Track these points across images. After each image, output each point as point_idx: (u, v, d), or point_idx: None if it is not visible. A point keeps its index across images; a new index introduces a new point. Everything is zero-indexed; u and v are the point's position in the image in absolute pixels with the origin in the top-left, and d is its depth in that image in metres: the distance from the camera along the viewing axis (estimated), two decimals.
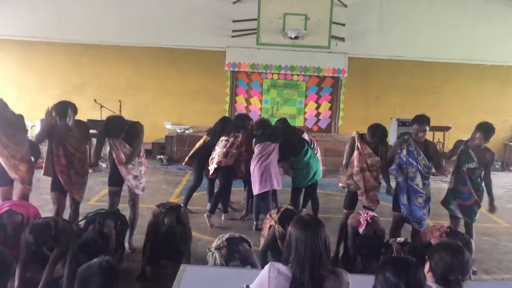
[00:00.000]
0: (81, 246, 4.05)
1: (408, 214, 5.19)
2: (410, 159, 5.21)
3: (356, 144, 5.55)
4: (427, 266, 2.48)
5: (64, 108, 5.17)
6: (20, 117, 5.40)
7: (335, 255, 5.37)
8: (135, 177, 5.45)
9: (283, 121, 7.09)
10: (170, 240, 4.70)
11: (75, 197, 5.27)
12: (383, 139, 5.51)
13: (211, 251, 4.65)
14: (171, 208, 4.89)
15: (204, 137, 7.11)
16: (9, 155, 5.09)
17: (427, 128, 5.25)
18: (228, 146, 6.56)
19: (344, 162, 5.72)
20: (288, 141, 6.52)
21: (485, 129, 5.34)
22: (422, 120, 5.26)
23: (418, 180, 5.18)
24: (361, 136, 5.59)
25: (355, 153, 5.53)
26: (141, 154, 5.59)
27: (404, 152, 5.24)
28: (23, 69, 13.15)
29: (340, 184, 5.98)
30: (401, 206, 5.23)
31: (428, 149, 5.30)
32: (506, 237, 6.75)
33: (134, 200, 5.58)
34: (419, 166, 5.18)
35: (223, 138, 6.66)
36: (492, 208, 5.36)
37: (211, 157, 6.70)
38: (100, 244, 4.12)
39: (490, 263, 5.66)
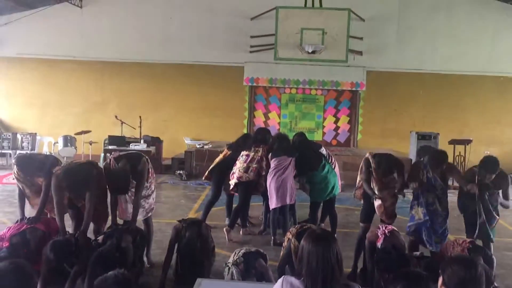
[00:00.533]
0: (97, 259, 4.11)
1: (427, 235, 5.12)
2: (429, 185, 5.13)
3: (371, 165, 5.42)
4: (440, 280, 2.45)
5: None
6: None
7: (353, 270, 5.33)
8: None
9: (300, 135, 7.10)
10: (191, 254, 4.74)
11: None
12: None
13: (228, 266, 4.66)
14: (192, 223, 4.94)
15: (225, 152, 7.14)
16: None
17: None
18: (248, 161, 6.57)
19: (362, 177, 5.58)
20: (305, 155, 6.52)
21: (491, 167, 5.12)
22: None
23: (436, 205, 5.13)
24: (374, 157, 5.47)
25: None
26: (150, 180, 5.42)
27: (424, 178, 5.14)
28: (46, 87, 13.49)
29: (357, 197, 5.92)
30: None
31: (443, 172, 5.19)
32: None
33: (145, 217, 5.57)
34: (437, 191, 5.12)
35: (243, 153, 6.68)
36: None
37: (232, 172, 6.72)
38: (118, 258, 4.17)
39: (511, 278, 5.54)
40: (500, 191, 5.26)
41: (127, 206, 5.13)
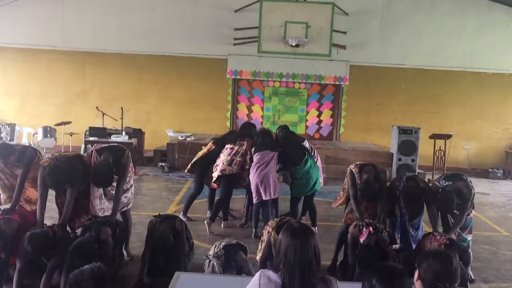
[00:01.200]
0: (76, 249, 4.08)
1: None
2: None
3: (356, 180, 5.21)
4: (416, 274, 2.48)
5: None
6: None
7: (332, 262, 5.37)
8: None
9: (284, 128, 7.11)
10: (164, 248, 4.73)
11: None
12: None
13: (208, 258, 4.67)
14: (166, 217, 4.94)
15: (209, 146, 7.13)
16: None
17: None
18: (232, 154, 6.57)
19: (350, 193, 5.29)
20: (288, 150, 6.54)
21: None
22: None
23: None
24: (361, 169, 5.26)
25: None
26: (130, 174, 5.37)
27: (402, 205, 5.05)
28: (26, 77, 13.26)
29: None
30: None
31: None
32: (506, 246, 6.71)
33: (123, 210, 5.52)
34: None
35: (228, 146, 6.68)
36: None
37: (215, 164, 6.71)
38: (96, 250, 4.15)
39: (488, 271, 5.63)
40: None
41: (97, 202, 5.02)
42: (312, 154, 6.80)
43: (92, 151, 5.05)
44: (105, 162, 4.84)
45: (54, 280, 4.26)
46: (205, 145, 7.45)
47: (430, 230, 4.92)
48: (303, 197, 6.73)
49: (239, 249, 4.75)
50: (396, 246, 4.54)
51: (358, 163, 5.41)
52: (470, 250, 5.16)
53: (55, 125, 11.67)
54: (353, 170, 5.26)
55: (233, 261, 4.54)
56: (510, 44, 13.22)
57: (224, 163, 6.54)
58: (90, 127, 11.30)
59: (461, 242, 5.00)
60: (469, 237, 5.18)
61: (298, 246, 2.35)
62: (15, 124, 12.10)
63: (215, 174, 6.67)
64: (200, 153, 7.14)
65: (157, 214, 5.07)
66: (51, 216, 5.94)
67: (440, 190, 4.95)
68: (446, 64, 13.18)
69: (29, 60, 13.21)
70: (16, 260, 4.19)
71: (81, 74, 13.33)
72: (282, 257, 2.40)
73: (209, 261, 4.62)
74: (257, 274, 2.46)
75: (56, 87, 13.26)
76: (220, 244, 4.75)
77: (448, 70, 13.23)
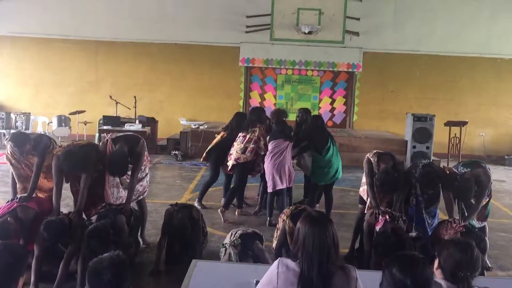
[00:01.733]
0: (91, 233, 4.12)
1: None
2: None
3: (373, 168, 5.14)
4: (436, 262, 2.46)
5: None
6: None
7: (350, 251, 5.36)
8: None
9: (306, 111, 7.04)
10: (181, 235, 4.77)
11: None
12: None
13: (225, 247, 4.68)
14: (183, 206, 4.98)
15: (222, 133, 7.11)
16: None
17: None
18: (245, 141, 6.52)
19: (367, 181, 5.21)
20: (312, 135, 6.45)
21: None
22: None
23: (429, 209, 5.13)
24: (379, 158, 5.17)
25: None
26: (145, 163, 5.37)
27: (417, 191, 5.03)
28: (39, 67, 13.33)
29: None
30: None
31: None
32: None
33: (138, 199, 5.54)
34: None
35: (240, 134, 6.64)
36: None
37: (229, 153, 6.70)
38: (112, 236, 4.18)
39: (505, 259, 5.58)
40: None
41: (114, 191, 5.06)
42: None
43: (107, 140, 5.06)
44: (120, 151, 4.85)
45: (71, 267, 4.31)
46: (218, 133, 7.43)
47: (446, 217, 4.88)
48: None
49: (255, 238, 4.76)
50: (413, 234, 4.51)
51: (375, 151, 5.34)
52: (486, 238, 5.11)
53: (69, 114, 11.75)
54: (371, 159, 5.20)
55: (249, 250, 4.55)
56: None
57: (238, 152, 6.52)
58: (104, 116, 11.36)
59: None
60: (479, 224, 5.14)
61: (317, 234, 2.34)
62: (30, 113, 12.22)
63: (229, 163, 6.65)
64: (214, 141, 7.14)
65: (174, 202, 5.10)
66: (67, 204, 6.00)
67: (458, 176, 4.90)
68: (462, 50, 12.99)
69: (43, 49, 13.27)
70: (34, 247, 4.24)
71: (94, 63, 13.37)
72: (300, 246, 2.39)
73: (225, 250, 4.63)
74: (275, 263, 2.46)
75: (70, 76, 13.32)
76: (236, 233, 4.75)
77: (464, 56, 13.04)
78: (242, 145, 6.52)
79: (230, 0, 12.88)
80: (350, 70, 13.26)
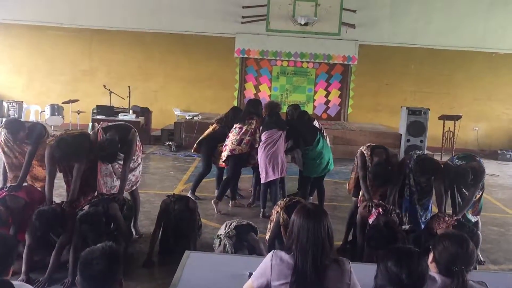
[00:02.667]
0: (83, 219, 4.11)
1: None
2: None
3: (366, 162, 5.12)
4: (430, 256, 2.46)
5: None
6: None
7: (343, 243, 5.36)
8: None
9: (295, 107, 7.04)
10: (179, 226, 4.76)
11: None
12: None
13: (219, 238, 4.67)
14: (180, 197, 4.97)
15: (214, 125, 7.08)
16: None
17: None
18: (241, 133, 6.49)
19: (359, 174, 5.19)
20: (300, 130, 6.46)
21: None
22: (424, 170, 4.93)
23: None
24: (372, 151, 5.18)
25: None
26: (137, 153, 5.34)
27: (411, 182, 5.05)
28: (33, 54, 13.20)
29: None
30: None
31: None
32: None
33: (131, 190, 5.50)
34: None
35: (236, 125, 6.58)
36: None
37: (224, 144, 6.67)
38: (104, 225, 4.18)
39: (498, 253, 5.60)
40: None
41: (107, 180, 5.03)
42: (322, 133, 6.73)
43: (98, 129, 5.03)
44: (110, 138, 4.82)
45: (63, 257, 4.29)
46: (212, 124, 7.40)
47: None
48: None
49: (250, 229, 4.76)
50: (406, 227, 4.52)
51: (369, 144, 5.34)
52: (479, 232, 5.13)
53: (63, 103, 11.66)
54: (364, 152, 5.19)
55: (244, 241, 4.55)
56: None
57: (234, 143, 6.49)
58: (97, 105, 11.28)
59: (466, 222, 4.97)
60: (474, 218, 5.15)
61: (311, 227, 2.33)
62: (22, 101, 12.10)
63: (224, 154, 6.61)
64: (205, 133, 7.11)
65: (170, 193, 5.08)
66: (60, 193, 5.96)
67: (454, 167, 4.90)
68: (457, 44, 12.98)
69: (36, 37, 13.13)
70: (26, 236, 4.21)
71: (88, 52, 13.25)
72: (294, 238, 2.38)
73: (220, 241, 4.63)
74: (269, 255, 2.44)
75: (63, 65, 13.20)
76: (230, 225, 4.75)
77: (459, 50, 13.04)
78: (238, 137, 6.49)
79: None
80: (345, 62, 13.23)
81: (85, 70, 13.22)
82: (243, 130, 6.50)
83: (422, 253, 2.21)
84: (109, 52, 13.20)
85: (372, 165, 5.00)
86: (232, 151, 6.49)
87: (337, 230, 5.54)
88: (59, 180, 5.38)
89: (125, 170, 4.99)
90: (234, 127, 6.60)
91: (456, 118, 11.36)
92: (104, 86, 11.50)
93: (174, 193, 5.15)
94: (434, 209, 5.52)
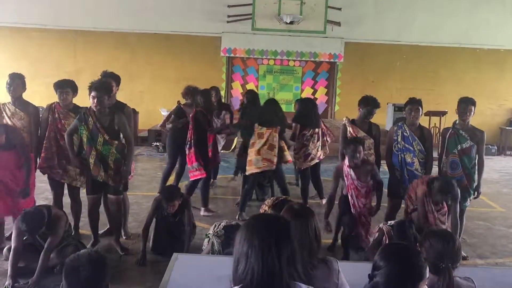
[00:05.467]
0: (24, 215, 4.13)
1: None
2: (407, 145, 5.20)
3: (348, 130, 5.58)
4: None
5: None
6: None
7: (333, 241, 5.37)
8: None
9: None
10: (173, 224, 4.84)
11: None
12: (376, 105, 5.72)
13: (208, 237, 4.68)
14: None
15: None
16: None
17: (420, 108, 5.26)
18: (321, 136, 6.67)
19: (340, 150, 5.71)
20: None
21: (471, 101, 5.32)
22: (413, 100, 5.30)
23: (416, 165, 5.18)
24: (352, 121, 5.59)
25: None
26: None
27: (400, 138, 5.24)
28: (16, 57, 13.02)
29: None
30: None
31: (423, 134, 5.29)
32: (501, 222, 6.76)
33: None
34: (415, 152, 5.17)
35: (311, 129, 6.47)
36: (478, 192, 5.27)
37: (307, 152, 6.48)
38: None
39: (484, 247, 5.67)
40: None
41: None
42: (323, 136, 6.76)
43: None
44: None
45: (51, 261, 4.25)
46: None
47: None
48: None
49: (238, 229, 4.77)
50: (391, 222, 4.53)
51: (347, 117, 5.88)
52: (464, 218, 5.24)
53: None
54: (345, 123, 5.67)
55: (232, 240, 4.57)
56: (505, 19, 13.13)
57: (319, 150, 6.63)
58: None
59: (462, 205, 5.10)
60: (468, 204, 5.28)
61: (298, 227, 2.33)
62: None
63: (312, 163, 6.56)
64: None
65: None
66: (46, 197, 5.91)
67: None
68: (442, 40, 13.08)
69: (19, 39, 12.98)
70: (12, 239, 4.18)
71: (72, 53, 13.13)
72: None
73: (209, 240, 4.64)
74: None
75: (48, 67, 13.05)
76: (219, 224, 4.76)
77: (444, 46, 13.14)
78: (321, 141, 6.59)
79: None
80: (331, 60, 13.27)
81: (70, 71, 13.04)
82: (320, 133, 6.55)
83: (419, 252, 2.16)
84: (94, 53, 13.08)
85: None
86: (319, 157, 6.60)
87: (321, 231, 5.57)
88: (45, 183, 5.34)
89: (131, 152, 5.04)
90: (309, 132, 6.43)
91: (441, 114, 11.45)
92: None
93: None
94: None
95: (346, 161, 4.97)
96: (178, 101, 7.39)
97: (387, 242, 4.28)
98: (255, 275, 1.71)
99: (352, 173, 4.92)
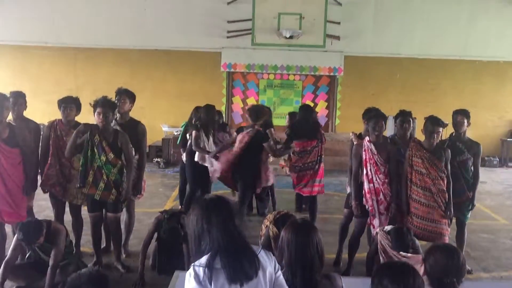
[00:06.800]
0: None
1: None
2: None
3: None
4: (421, 269, 2.44)
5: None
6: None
7: (337, 256, 5.33)
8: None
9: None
10: (172, 242, 4.76)
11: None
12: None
13: None
14: (173, 214, 4.94)
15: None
16: None
17: (411, 120, 5.26)
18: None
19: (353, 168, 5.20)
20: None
21: (463, 112, 5.29)
22: (404, 113, 5.47)
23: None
24: (360, 136, 5.50)
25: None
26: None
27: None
28: (18, 74, 13.07)
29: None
30: None
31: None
32: (505, 234, 6.71)
33: (129, 204, 5.45)
34: None
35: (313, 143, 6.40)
36: (473, 204, 5.20)
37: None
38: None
39: (489, 260, 5.62)
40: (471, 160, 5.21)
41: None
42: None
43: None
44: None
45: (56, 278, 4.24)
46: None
47: None
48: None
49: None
50: (387, 228, 4.49)
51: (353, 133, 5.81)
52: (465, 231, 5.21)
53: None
54: (352, 139, 5.57)
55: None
56: (504, 31, 13.16)
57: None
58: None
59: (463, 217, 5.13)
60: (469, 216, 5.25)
61: (300, 243, 2.31)
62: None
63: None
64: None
65: (162, 210, 5.04)
66: (47, 215, 5.89)
67: None
68: (441, 52, 13.12)
69: (20, 57, 13.05)
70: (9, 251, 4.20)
71: (73, 70, 13.19)
72: (284, 253, 2.35)
73: None
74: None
75: (48, 84, 13.10)
76: None
77: (443, 59, 13.17)
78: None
79: (211, 5, 12.81)
80: (331, 74, 13.29)
81: (71, 88, 13.08)
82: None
83: (416, 271, 2.16)
84: (94, 70, 13.14)
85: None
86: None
87: (329, 243, 5.51)
88: (46, 201, 5.31)
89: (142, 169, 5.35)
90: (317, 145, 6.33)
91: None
92: (90, 104, 11.35)
93: (166, 210, 5.12)
94: None
95: (367, 138, 4.94)
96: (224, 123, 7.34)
97: (382, 249, 4.26)
98: (221, 243, 2.16)
99: (372, 147, 4.86)
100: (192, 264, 2.19)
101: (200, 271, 2.12)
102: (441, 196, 4.70)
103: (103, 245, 5.37)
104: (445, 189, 4.72)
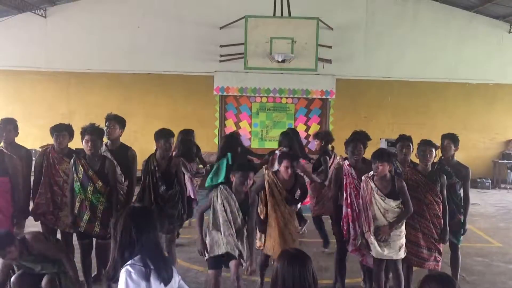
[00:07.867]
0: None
1: None
2: None
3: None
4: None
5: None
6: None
7: (334, 281, 5.28)
8: None
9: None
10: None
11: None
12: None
13: None
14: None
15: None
16: None
17: (411, 145, 5.27)
18: None
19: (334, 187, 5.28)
20: None
21: (450, 136, 5.34)
22: (404, 137, 5.38)
23: None
24: (346, 159, 5.40)
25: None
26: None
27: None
28: (9, 99, 13.07)
29: None
30: None
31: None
32: (499, 257, 6.69)
33: None
34: None
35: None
36: (465, 229, 5.18)
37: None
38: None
39: (484, 285, 5.59)
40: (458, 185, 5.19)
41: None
42: None
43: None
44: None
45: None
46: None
47: None
48: None
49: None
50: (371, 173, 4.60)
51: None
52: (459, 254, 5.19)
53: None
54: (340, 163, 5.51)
55: None
56: (492, 54, 13.36)
57: None
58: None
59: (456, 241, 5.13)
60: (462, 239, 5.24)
61: (297, 273, 2.29)
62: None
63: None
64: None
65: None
66: None
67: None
68: (431, 75, 13.28)
69: (13, 81, 13.05)
70: None
71: (66, 95, 13.19)
72: (280, 284, 2.33)
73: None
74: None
75: (41, 108, 13.09)
76: None
77: (433, 81, 13.33)
78: None
79: (203, 30, 12.94)
80: (323, 97, 13.40)
81: (63, 113, 13.09)
82: None
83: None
84: (87, 95, 13.15)
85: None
86: None
87: (322, 268, 5.49)
88: (38, 228, 5.24)
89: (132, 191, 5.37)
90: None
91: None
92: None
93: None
94: None
95: (346, 161, 4.96)
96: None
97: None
98: (152, 250, 2.47)
99: (352, 171, 4.86)
100: (127, 264, 2.43)
101: (136, 270, 2.40)
102: (436, 222, 4.69)
103: (94, 273, 5.29)
104: (440, 215, 4.71)
